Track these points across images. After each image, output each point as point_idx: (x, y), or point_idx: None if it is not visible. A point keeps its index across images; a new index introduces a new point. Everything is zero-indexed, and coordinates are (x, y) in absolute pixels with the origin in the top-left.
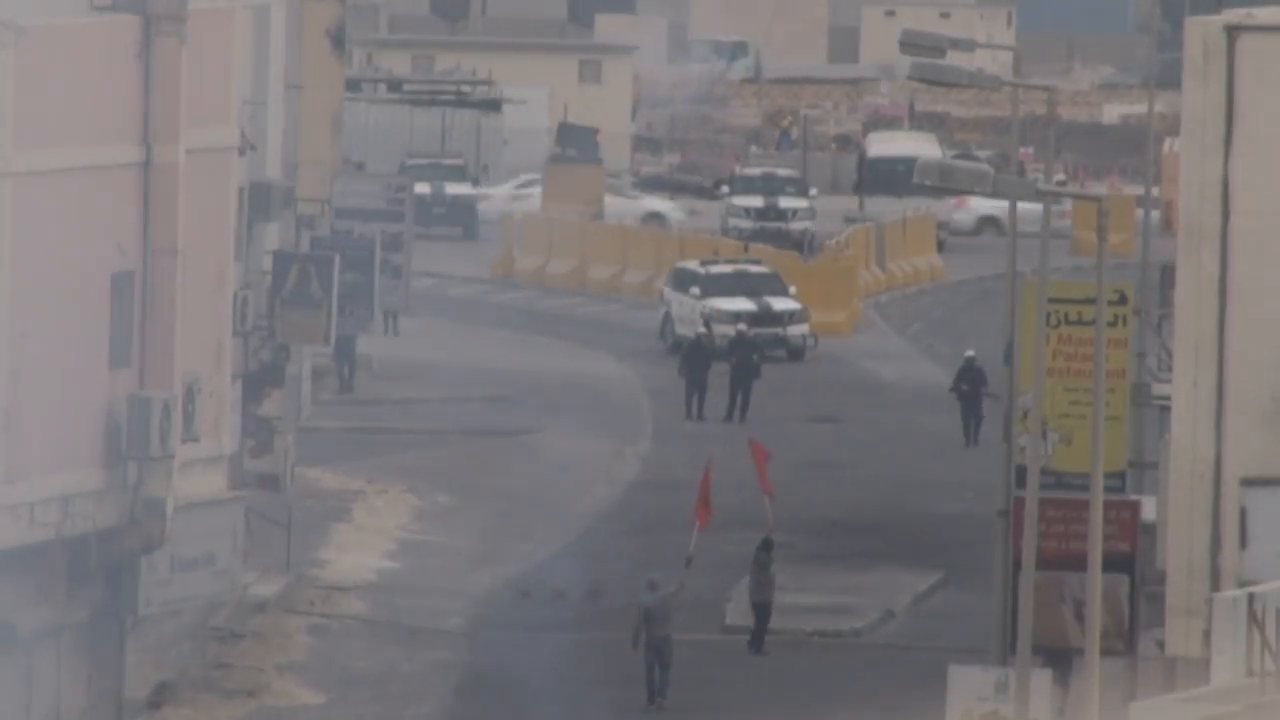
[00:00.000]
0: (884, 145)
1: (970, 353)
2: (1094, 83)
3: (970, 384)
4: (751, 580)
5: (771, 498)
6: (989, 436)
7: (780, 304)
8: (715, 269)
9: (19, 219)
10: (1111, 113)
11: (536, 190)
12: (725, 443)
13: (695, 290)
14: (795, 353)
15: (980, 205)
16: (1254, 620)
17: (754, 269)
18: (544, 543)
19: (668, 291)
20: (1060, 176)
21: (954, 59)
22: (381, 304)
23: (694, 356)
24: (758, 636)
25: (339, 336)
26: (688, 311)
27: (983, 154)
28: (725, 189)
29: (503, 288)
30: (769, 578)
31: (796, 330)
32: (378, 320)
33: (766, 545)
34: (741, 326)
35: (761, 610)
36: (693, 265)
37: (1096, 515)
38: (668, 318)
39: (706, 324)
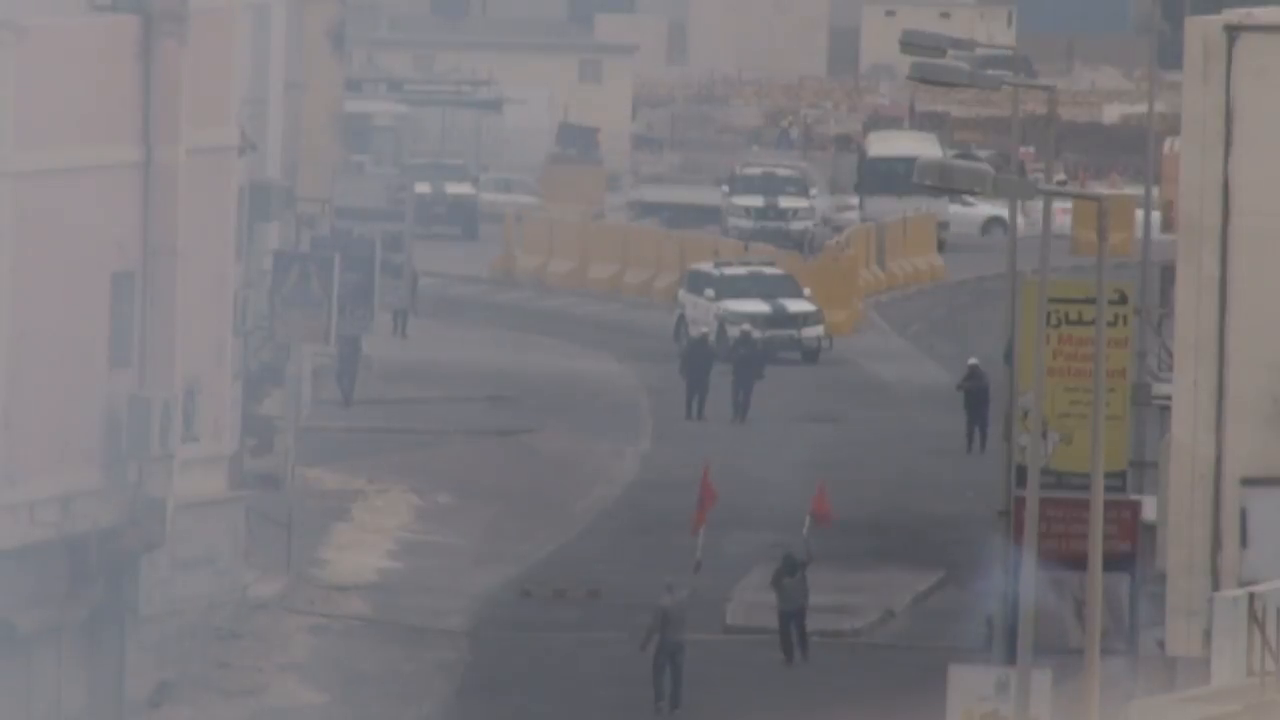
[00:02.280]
0: (884, 145)
1: (973, 360)
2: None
3: (975, 391)
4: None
5: (826, 525)
6: (991, 440)
7: (795, 306)
8: (729, 271)
9: (19, 219)
10: (1111, 113)
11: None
12: (725, 442)
13: (710, 292)
14: (810, 354)
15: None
16: (1254, 620)
17: (769, 271)
18: (544, 543)
19: (682, 294)
20: (1060, 176)
21: (953, 59)
22: (389, 304)
23: (695, 356)
24: (799, 643)
25: (342, 348)
26: (702, 314)
27: (983, 154)
28: (725, 189)
29: (503, 288)
30: (782, 588)
31: (811, 332)
32: (383, 321)
33: (788, 561)
34: (745, 327)
35: (784, 619)
36: (707, 267)
37: (1096, 515)
38: (682, 320)
39: (721, 326)
